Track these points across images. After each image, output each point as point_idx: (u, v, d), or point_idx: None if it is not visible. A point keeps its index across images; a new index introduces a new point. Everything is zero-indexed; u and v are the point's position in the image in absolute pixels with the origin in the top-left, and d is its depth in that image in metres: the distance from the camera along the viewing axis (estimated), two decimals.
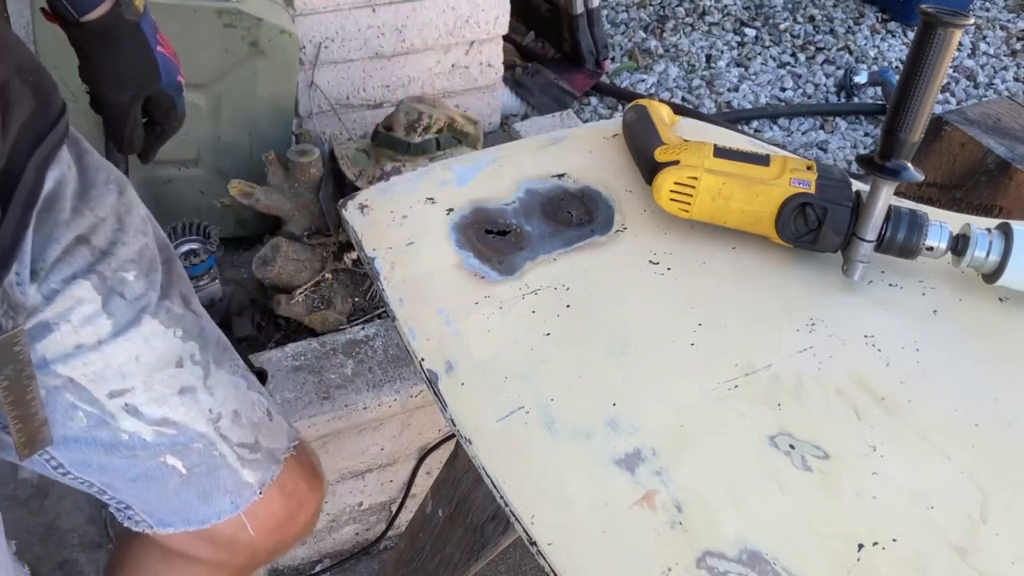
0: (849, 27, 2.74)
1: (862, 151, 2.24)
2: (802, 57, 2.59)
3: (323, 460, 1.45)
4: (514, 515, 0.62)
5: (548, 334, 0.73)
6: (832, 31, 2.71)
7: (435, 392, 0.71)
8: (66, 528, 1.63)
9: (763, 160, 0.80)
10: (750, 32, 2.68)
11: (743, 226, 0.81)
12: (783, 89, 2.44)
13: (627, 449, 0.64)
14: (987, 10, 2.90)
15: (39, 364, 0.75)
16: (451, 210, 0.86)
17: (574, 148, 0.95)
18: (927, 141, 1.54)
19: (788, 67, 2.54)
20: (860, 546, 0.59)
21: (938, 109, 2.23)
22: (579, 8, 2.27)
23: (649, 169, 0.84)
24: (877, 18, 2.80)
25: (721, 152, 0.81)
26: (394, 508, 1.65)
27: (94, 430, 0.80)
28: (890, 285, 0.80)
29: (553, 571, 0.58)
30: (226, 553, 0.91)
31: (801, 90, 2.45)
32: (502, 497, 0.63)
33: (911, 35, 2.73)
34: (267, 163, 1.54)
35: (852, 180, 0.80)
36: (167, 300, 0.83)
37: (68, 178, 0.78)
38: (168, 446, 0.82)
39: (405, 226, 0.84)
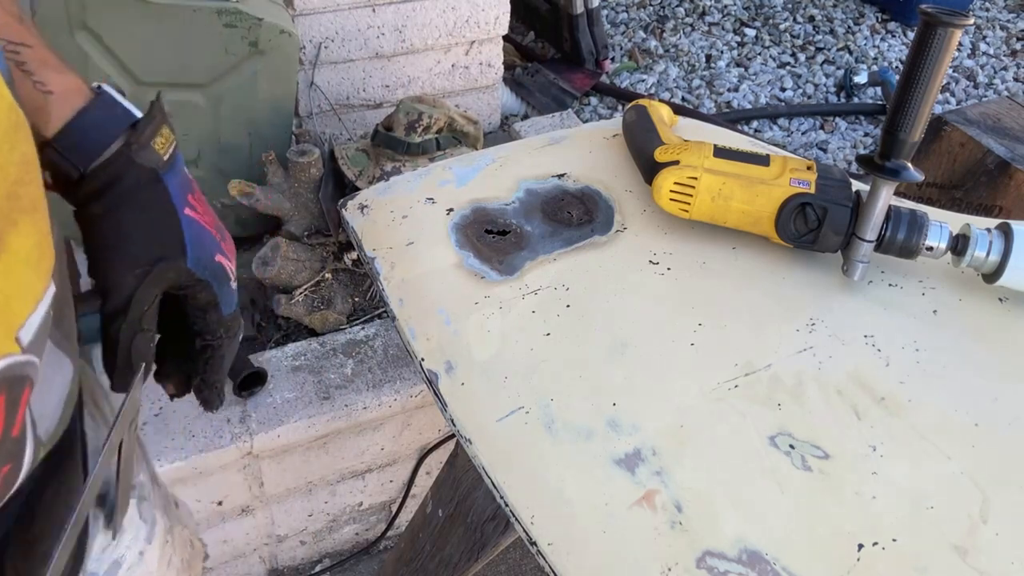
0: (849, 27, 2.74)
1: (862, 151, 2.23)
2: (802, 57, 2.59)
3: (323, 460, 1.46)
4: (514, 515, 0.62)
5: (548, 334, 0.73)
6: (832, 31, 2.71)
7: (435, 392, 0.71)
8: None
9: (763, 160, 0.80)
10: (750, 32, 2.68)
11: (743, 226, 0.81)
12: (783, 89, 2.44)
13: (627, 449, 0.64)
14: (987, 10, 2.90)
15: None
16: (451, 210, 0.86)
17: (574, 148, 0.95)
18: (927, 141, 1.54)
19: (788, 67, 2.54)
20: (860, 546, 0.59)
21: (938, 109, 2.23)
22: (579, 8, 2.27)
23: (649, 169, 0.84)
24: (877, 18, 2.80)
25: (721, 152, 0.81)
26: (394, 508, 1.65)
27: None
28: (890, 285, 0.80)
29: (553, 571, 0.58)
30: None
31: (801, 90, 2.45)
32: (502, 497, 0.63)
33: (911, 35, 2.73)
34: (267, 163, 1.54)
35: (852, 180, 0.80)
36: (156, 486, 0.80)
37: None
38: None
39: (405, 226, 0.84)
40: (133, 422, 0.64)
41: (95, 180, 0.58)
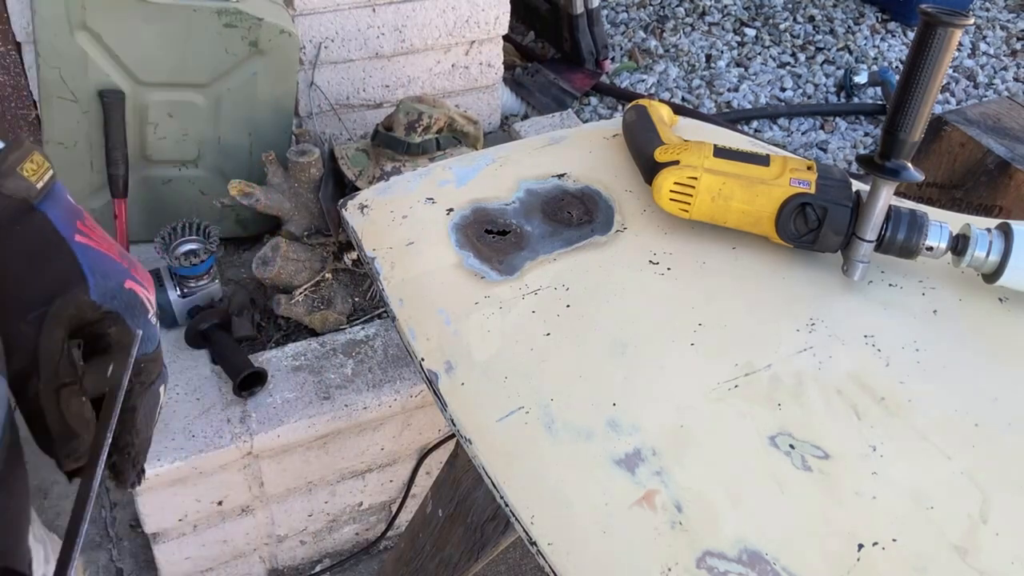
0: (849, 27, 2.74)
1: (862, 151, 2.23)
2: (802, 57, 2.59)
3: (323, 460, 1.46)
4: (514, 515, 0.62)
5: (548, 334, 0.73)
6: (832, 31, 2.71)
7: (435, 392, 0.71)
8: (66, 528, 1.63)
9: (763, 160, 0.80)
10: (750, 32, 2.67)
11: (743, 226, 0.81)
12: (783, 89, 2.44)
13: (627, 449, 0.64)
14: (987, 10, 2.90)
15: None
16: (451, 210, 0.86)
17: (574, 148, 0.95)
18: (927, 141, 1.54)
19: (788, 67, 2.54)
20: (860, 546, 0.59)
21: (938, 109, 2.23)
22: (579, 8, 2.27)
23: (649, 169, 0.84)
24: (877, 18, 2.80)
25: (721, 152, 0.81)
26: (394, 508, 1.65)
27: None
28: (890, 285, 0.80)
29: (553, 571, 0.58)
30: None
31: (801, 90, 2.44)
32: (502, 497, 0.63)
33: (911, 35, 2.73)
34: (267, 163, 1.54)
35: (852, 180, 0.80)
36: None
37: None
38: None
39: (405, 226, 0.84)
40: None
41: None
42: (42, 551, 0.72)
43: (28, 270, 0.50)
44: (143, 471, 0.55)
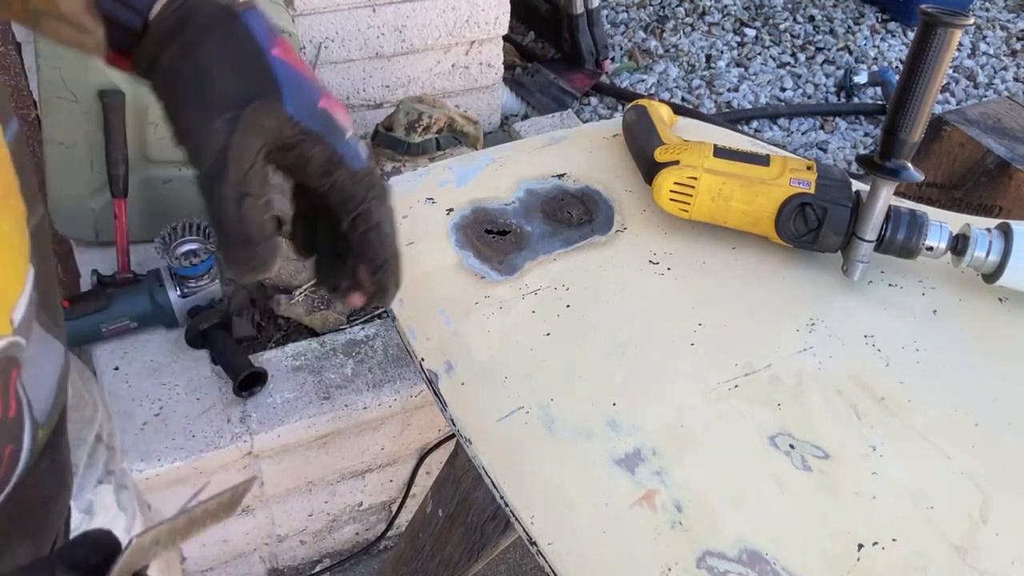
0: (849, 27, 2.74)
1: (862, 151, 2.23)
2: (802, 57, 2.59)
3: (323, 460, 1.46)
4: (514, 515, 0.62)
5: (548, 334, 0.73)
6: (832, 31, 2.71)
7: (435, 392, 0.71)
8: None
9: (763, 160, 0.80)
10: (750, 32, 2.67)
11: (743, 226, 0.81)
12: (783, 89, 2.44)
13: (627, 449, 0.64)
14: (987, 10, 2.90)
15: None
16: (451, 210, 0.86)
17: (574, 148, 0.95)
18: (927, 141, 1.54)
19: (788, 67, 2.54)
20: (860, 546, 0.59)
21: (938, 109, 2.23)
22: (579, 8, 2.27)
23: (649, 169, 0.84)
24: (877, 18, 2.80)
25: (721, 152, 0.81)
26: (394, 508, 1.65)
27: None
28: (890, 285, 0.80)
29: (553, 571, 0.58)
30: None
31: (801, 90, 2.44)
32: (502, 497, 0.63)
33: (911, 35, 2.72)
34: None
35: (852, 180, 0.80)
36: (133, 485, 0.78)
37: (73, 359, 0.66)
38: None
39: (405, 226, 0.84)
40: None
41: (162, 25, 0.50)
42: (123, 520, 0.73)
43: (227, 71, 0.50)
44: (399, 277, 0.55)
